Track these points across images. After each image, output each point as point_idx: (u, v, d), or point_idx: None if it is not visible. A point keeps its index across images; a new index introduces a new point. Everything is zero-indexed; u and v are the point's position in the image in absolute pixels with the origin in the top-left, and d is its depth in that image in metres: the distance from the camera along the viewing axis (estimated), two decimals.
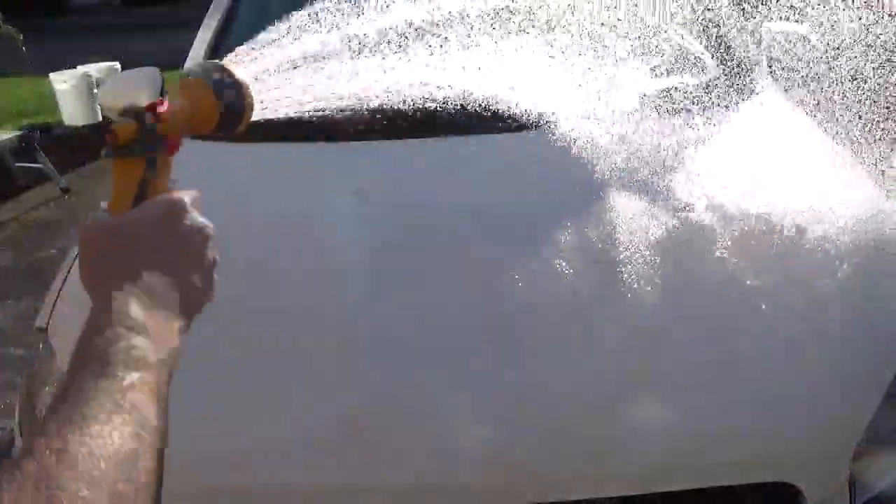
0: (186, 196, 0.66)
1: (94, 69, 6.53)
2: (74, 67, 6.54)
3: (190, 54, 2.33)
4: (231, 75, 0.74)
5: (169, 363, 0.56)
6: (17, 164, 5.37)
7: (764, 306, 1.41)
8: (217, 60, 0.76)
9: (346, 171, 1.82)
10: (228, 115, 0.74)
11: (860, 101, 2.31)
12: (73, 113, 6.40)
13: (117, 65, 6.67)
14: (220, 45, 2.36)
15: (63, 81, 6.34)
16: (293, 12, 0.89)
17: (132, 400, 0.51)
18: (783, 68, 2.10)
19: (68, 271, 1.65)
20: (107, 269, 0.60)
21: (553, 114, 1.49)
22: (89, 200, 4.81)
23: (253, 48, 0.80)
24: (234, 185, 1.79)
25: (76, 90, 6.34)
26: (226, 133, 0.75)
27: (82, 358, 0.53)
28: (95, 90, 6.07)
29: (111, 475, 0.46)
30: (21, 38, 7.04)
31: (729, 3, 2.44)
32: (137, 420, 0.50)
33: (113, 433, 0.48)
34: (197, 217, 0.66)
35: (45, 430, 0.47)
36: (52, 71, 6.46)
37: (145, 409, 0.51)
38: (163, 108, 0.69)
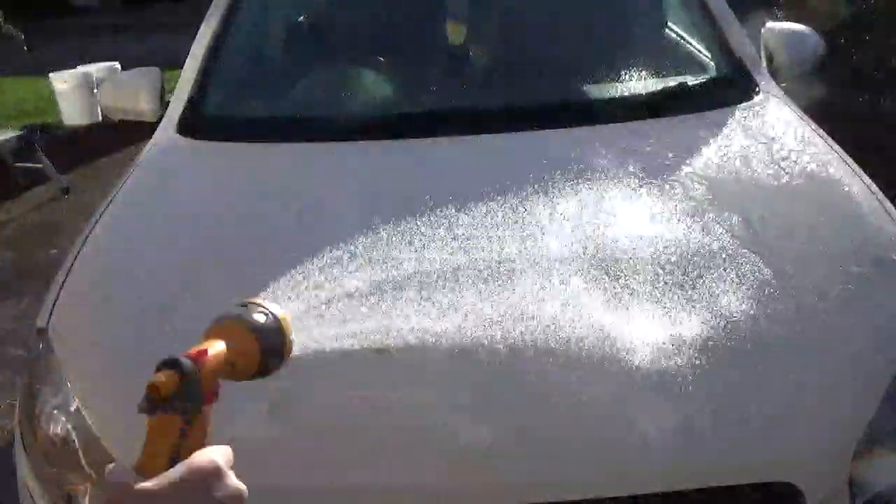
0: (219, 456, 0.64)
1: (94, 69, 6.55)
2: (74, 67, 6.55)
3: (190, 54, 2.33)
4: (272, 315, 0.72)
5: None
6: (17, 164, 5.37)
7: (763, 307, 1.41)
8: (256, 300, 0.73)
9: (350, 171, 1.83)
10: (269, 356, 0.71)
11: None
12: (73, 113, 6.42)
13: (117, 65, 6.68)
14: (220, 46, 2.36)
15: (63, 81, 6.35)
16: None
17: None
18: None
19: (68, 271, 1.65)
20: None
21: None
22: (89, 200, 4.82)
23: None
24: (237, 185, 1.79)
25: (76, 90, 6.35)
26: (264, 375, 0.73)
27: None
28: (95, 90, 6.08)
29: None
30: (23, 36, 7.05)
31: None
32: None
33: None
34: (230, 482, 0.64)
35: None
36: (53, 71, 6.47)
37: None
38: (206, 358, 0.65)
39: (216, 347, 0.67)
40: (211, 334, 0.69)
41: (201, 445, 0.65)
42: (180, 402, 0.63)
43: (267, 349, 0.71)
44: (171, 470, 0.61)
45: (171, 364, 0.63)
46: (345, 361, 1.37)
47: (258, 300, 0.73)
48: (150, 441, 0.63)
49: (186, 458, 0.63)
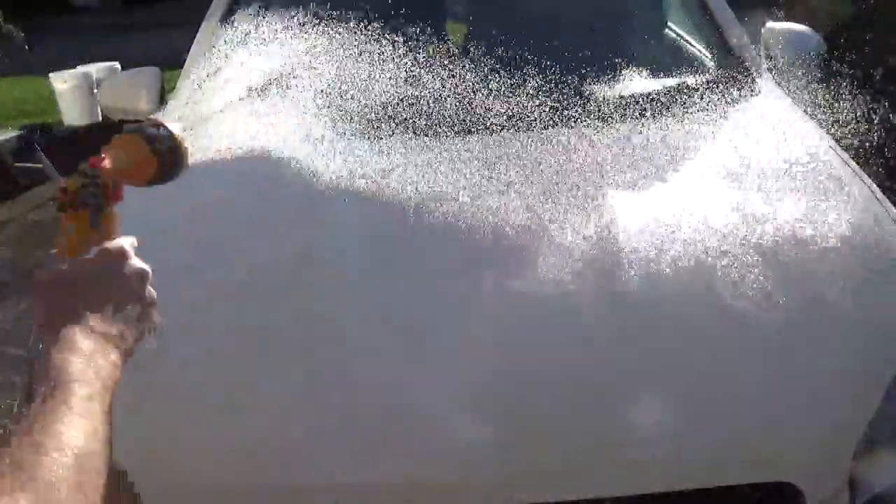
0: (125, 243, 0.77)
1: (94, 69, 6.55)
2: (74, 67, 6.55)
3: (190, 54, 2.33)
4: (164, 128, 0.82)
5: (109, 382, 0.69)
6: (17, 164, 5.37)
7: (764, 307, 1.41)
8: (152, 117, 0.85)
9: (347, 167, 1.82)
10: (164, 163, 0.82)
11: None
12: (73, 113, 6.41)
13: (117, 65, 6.68)
14: (220, 45, 2.36)
15: (63, 81, 6.35)
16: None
17: (85, 408, 0.63)
18: None
19: None
20: (58, 310, 0.71)
21: None
22: None
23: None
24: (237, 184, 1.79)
25: (76, 90, 6.35)
26: (165, 180, 0.84)
27: (45, 377, 0.65)
28: (95, 90, 6.07)
29: (72, 466, 0.59)
30: (23, 35, 7.04)
31: None
32: (91, 424, 0.63)
33: (71, 433, 0.60)
34: (135, 262, 0.77)
35: (16, 431, 0.59)
36: (53, 71, 6.47)
37: (95, 416, 0.64)
38: (104, 163, 0.77)
39: (113, 155, 0.78)
40: (112, 146, 0.80)
41: (111, 238, 0.77)
42: (85, 199, 0.75)
43: (161, 155, 0.82)
44: (88, 252, 0.75)
45: (75, 171, 0.76)
46: (343, 359, 1.38)
47: (154, 118, 0.84)
48: (65, 232, 0.76)
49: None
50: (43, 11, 11.04)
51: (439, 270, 1.50)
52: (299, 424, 1.32)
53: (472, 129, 1.93)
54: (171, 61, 3.33)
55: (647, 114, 1.99)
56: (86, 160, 0.77)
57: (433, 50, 2.45)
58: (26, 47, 6.96)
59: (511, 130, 1.92)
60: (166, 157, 0.82)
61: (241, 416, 1.32)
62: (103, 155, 0.78)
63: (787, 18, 2.64)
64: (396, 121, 1.89)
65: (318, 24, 1.40)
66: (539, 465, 1.27)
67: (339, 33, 1.49)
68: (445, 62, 2.33)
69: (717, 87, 2.18)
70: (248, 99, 1.00)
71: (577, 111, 2.02)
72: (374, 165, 1.80)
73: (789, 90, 2.23)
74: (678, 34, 2.51)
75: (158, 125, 0.82)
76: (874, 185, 1.73)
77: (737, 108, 2.03)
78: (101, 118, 6.00)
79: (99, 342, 0.70)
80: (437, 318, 1.42)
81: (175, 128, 0.83)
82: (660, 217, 1.59)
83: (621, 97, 2.12)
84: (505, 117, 1.97)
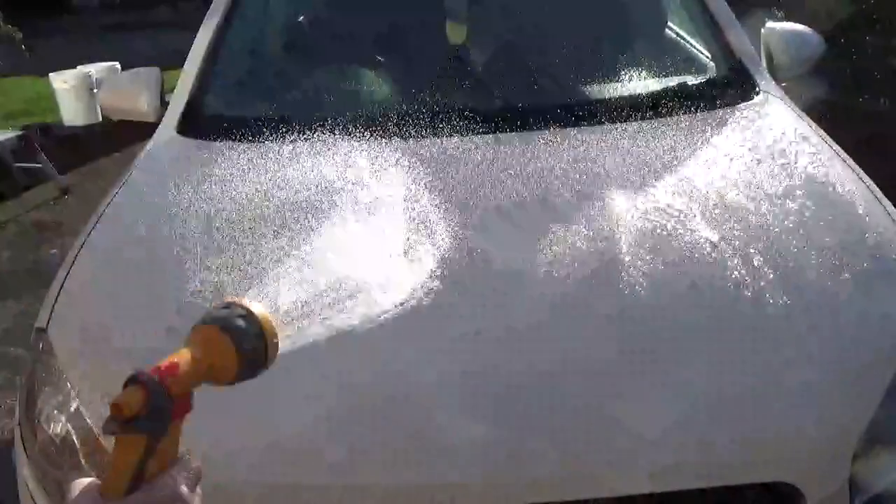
0: (183, 482, 0.60)
1: (94, 69, 6.55)
2: (74, 67, 6.55)
3: (190, 54, 2.33)
4: (252, 317, 0.65)
5: None
6: (17, 164, 5.37)
7: (764, 307, 1.41)
8: (237, 300, 0.66)
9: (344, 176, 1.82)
10: (249, 362, 0.65)
11: None
12: (72, 113, 6.42)
13: (117, 65, 6.68)
14: (221, 45, 2.36)
15: (63, 81, 6.35)
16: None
17: None
18: None
19: (68, 271, 1.65)
20: None
21: None
22: (89, 200, 4.82)
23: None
24: (238, 187, 1.79)
25: (76, 90, 6.35)
26: (246, 379, 0.66)
27: None
28: (95, 90, 6.08)
29: None
30: (20, 37, 7.05)
31: None
32: None
33: None
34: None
35: None
36: (52, 71, 6.47)
37: None
38: (177, 371, 0.60)
39: (188, 358, 0.61)
40: (189, 340, 0.63)
41: (167, 463, 0.61)
42: (146, 422, 0.58)
43: (246, 354, 0.64)
44: (132, 497, 0.58)
45: (136, 380, 0.58)
46: (342, 359, 1.37)
47: (240, 300, 0.66)
48: (115, 462, 0.58)
49: (152, 477, 0.59)
50: (43, 11, 11.04)
51: (441, 274, 1.50)
52: (300, 424, 1.32)
53: (466, 131, 1.93)
54: (171, 61, 3.34)
55: (647, 114, 2.00)
56: (144, 365, 0.60)
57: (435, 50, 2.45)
58: (23, 48, 6.97)
59: (501, 132, 1.92)
60: (251, 356, 0.65)
61: (240, 415, 1.32)
62: (175, 360, 0.60)
63: (787, 18, 2.64)
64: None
65: None
66: (539, 465, 1.27)
67: None
68: (443, 64, 2.34)
69: (717, 87, 2.18)
70: None
71: (576, 112, 2.02)
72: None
73: (789, 90, 2.23)
74: (678, 34, 2.52)
75: (245, 312, 0.64)
76: (874, 185, 1.73)
77: (736, 108, 2.04)
78: (101, 118, 6.01)
79: None
80: (438, 319, 1.42)
81: (260, 312, 0.65)
82: (660, 218, 1.58)
83: (621, 97, 2.13)
84: (496, 118, 1.97)
